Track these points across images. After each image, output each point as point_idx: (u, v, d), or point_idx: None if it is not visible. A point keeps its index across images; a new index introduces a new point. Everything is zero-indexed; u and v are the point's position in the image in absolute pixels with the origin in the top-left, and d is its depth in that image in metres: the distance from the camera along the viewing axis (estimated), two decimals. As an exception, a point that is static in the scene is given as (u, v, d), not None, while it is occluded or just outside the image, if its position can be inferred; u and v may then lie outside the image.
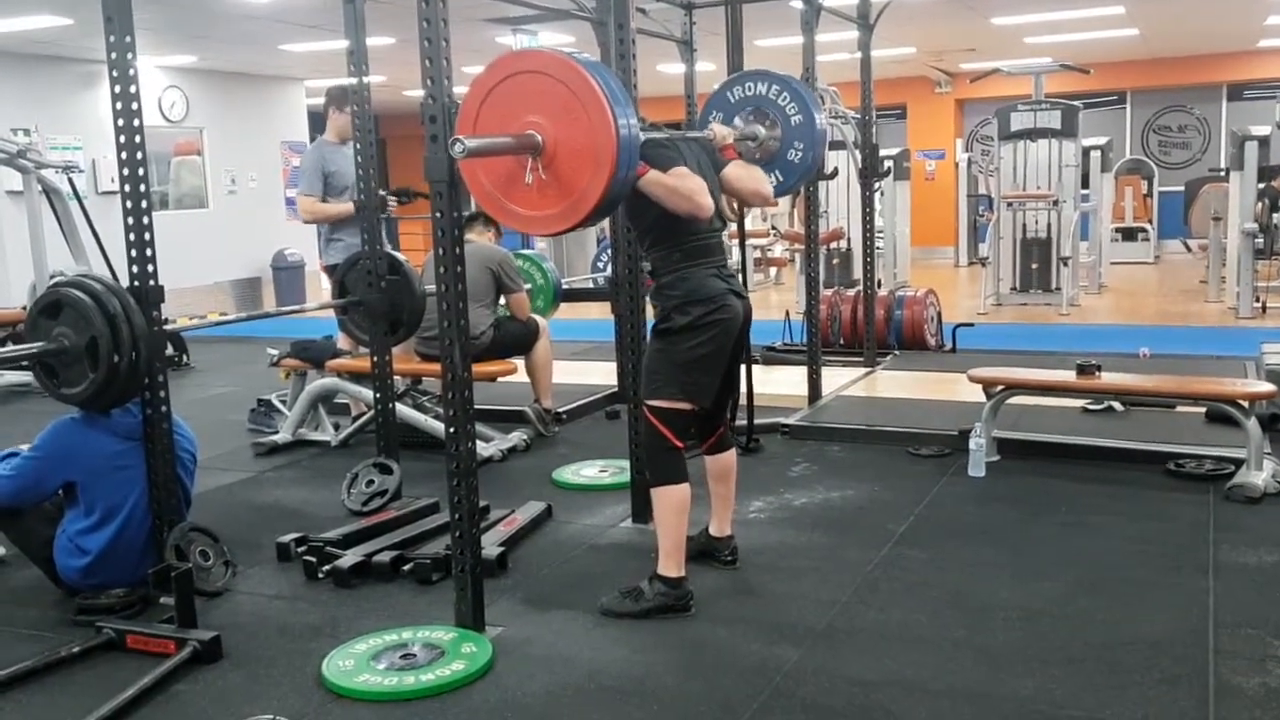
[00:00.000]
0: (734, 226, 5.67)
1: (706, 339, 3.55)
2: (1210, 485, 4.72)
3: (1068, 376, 5.18)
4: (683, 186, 3.42)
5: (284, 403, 6.38)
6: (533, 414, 6.05)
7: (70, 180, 8.14)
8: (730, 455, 3.95)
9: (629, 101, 3.02)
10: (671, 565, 3.55)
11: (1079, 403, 5.83)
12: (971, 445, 5.05)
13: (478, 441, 4.22)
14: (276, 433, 6.14)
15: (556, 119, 2.97)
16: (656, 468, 3.61)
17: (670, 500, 3.56)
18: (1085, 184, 11.98)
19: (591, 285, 8.81)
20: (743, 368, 4.08)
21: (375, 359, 5.00)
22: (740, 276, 5.28)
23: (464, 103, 3.12)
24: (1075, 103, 11.41)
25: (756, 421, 5.59)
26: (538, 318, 6.26)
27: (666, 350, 3.58)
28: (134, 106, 3.56)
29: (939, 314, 8.53)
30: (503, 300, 6.02)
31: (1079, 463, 5.16)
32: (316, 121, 15.49)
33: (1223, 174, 12.21)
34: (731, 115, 4.56)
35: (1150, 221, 15.54)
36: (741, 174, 3.84)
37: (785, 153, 4.51)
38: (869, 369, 7.45)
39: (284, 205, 14.43)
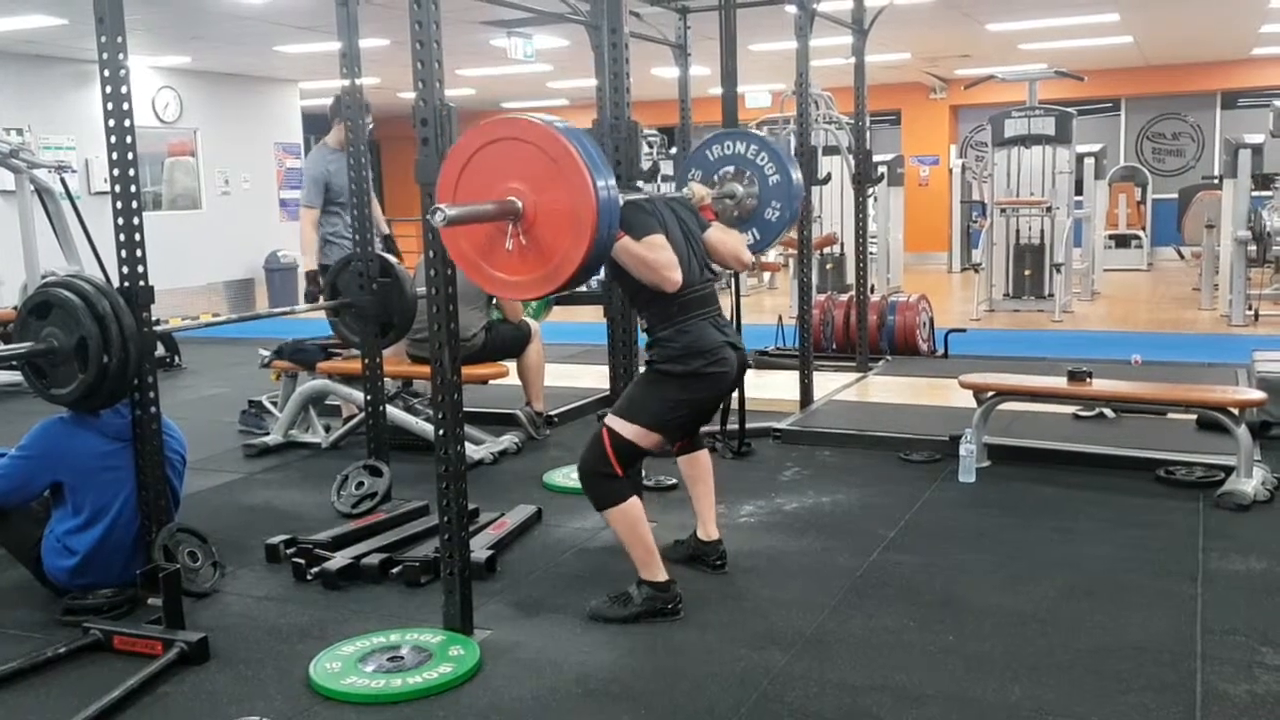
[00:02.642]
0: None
1: (699, 388, 3.58)
2: (1200, 492, 4.72)
3: (1059, 383, 5.18)
4: (651, 258, 3.43)
5: (275, 404, 6.38)
6: (524, 417, 6.05)
7: (63, 180, 8.13)
8: (703, 454, 3.97)
9: (608, 167, 3.03)
10: (652, 571, 3.55)
11: (1070, 409, 5.84)
12: (962, 451, 5.05)
13: (468, 444, 4.24)
14: (267, 434, 6.13)
15: (536, 185, 2.97)
16: (598, 493, 3.56)
17: (624, 518, 3.54)
18: (1079, 190, 11.99)
19: (584, 289, 8.79)
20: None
21: (366, 361, 4.99)
22: (735, 319, 5.29)
23: (444, 169, 3.11)
24: (1069, 109, 11.42)
25: (748, 426, 5.59)
26: (530, 321, 6.26)
27: (658, 386, 3.57)
28: (125, 107, 3.55)
29: (931, 319, 8.54)
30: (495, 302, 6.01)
31: (1070, 469, 5.16)
32: (311, 123, 15.53)
33: (1216, 181, 12.22)
34: (710, 173, 4.64)
35: (1144, 228, 15.58)
36: (721, 237, 3.89)
37: (763, 211, 4.61)
38: (861, 374, 7.45)
39: (277, 207, 14.44)
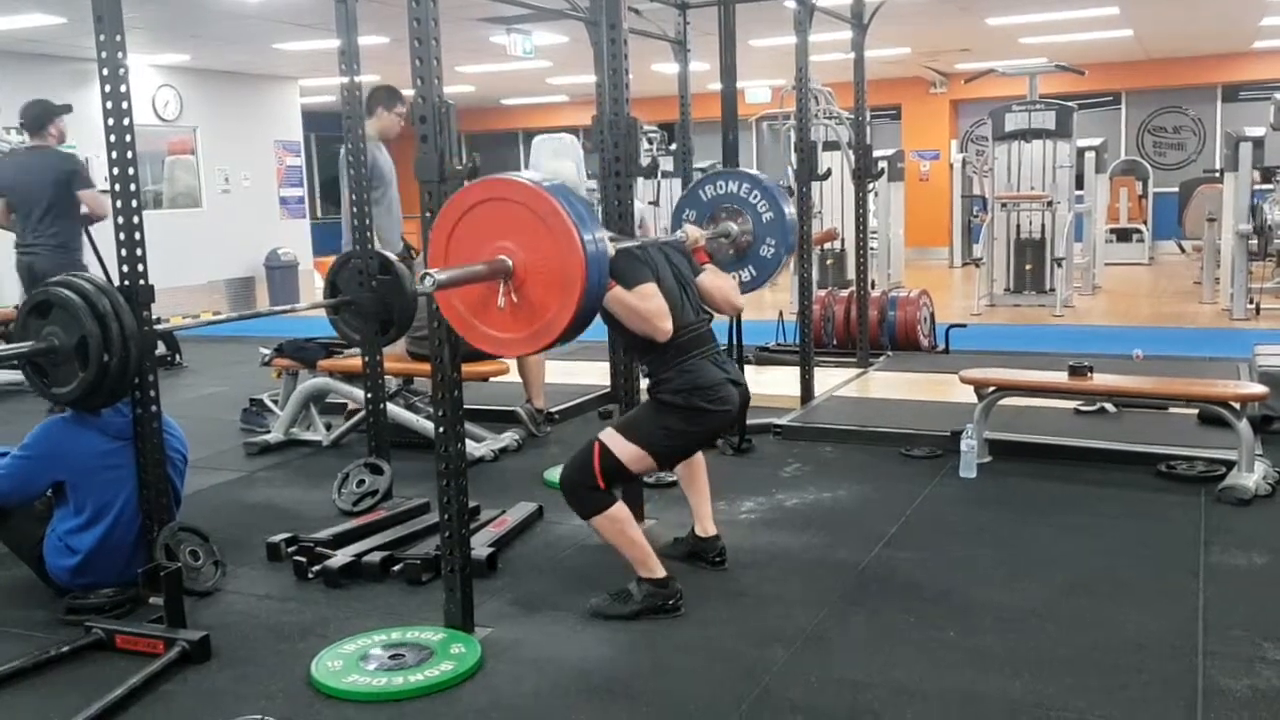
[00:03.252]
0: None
1: (700, 422, 3.57)
2: (1201, 487, 4.72)
3: (1060, 378, 5.18)
4: (642, 308, 3.45)
5: (276, 402, 6.38)
6: (525, 414, 6.04)
7: (63, 179, 8.09)
8: (696, 454, 3.97)
9: (596, 221, 3.06)
10: (650, 569, 3.55)
11: (1071, 404, 5.84)
12: (963, 446, 5.05)
13: (469, 441, 4.24)
14: (268, 432, 6.14)
15: (526, 243, 3.00)
16: (580, 503, 3.56)
17: (611, 524, 3.54)
18: (1080, 185, 11.98)
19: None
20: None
21: (366, 359, 4.99)
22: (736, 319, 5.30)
23: (434, 230, 3.15)
24: (1070, 103, 11.42)
25: (749, 422, 5.57)
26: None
27: (660, 414, 3.56)
28: (124, 106, 3.56)
29: (932, 315, 8.53)
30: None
31: (1071, 464, 5.16)
32: (310, 121, 15.51)
33: (1217, 175, 12.21)
34: (705, 212, 4.74)
35: (1145, 222, 15.55)
36: (715, 282, 3.92)
37: (758, 249, 4.73)
38: (862, 370, 7.45)
39: (278, 204, 14.43)
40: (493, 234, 3.03)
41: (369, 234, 4.91)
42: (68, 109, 6.65)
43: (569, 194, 3.03)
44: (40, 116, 6.46)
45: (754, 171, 4.89)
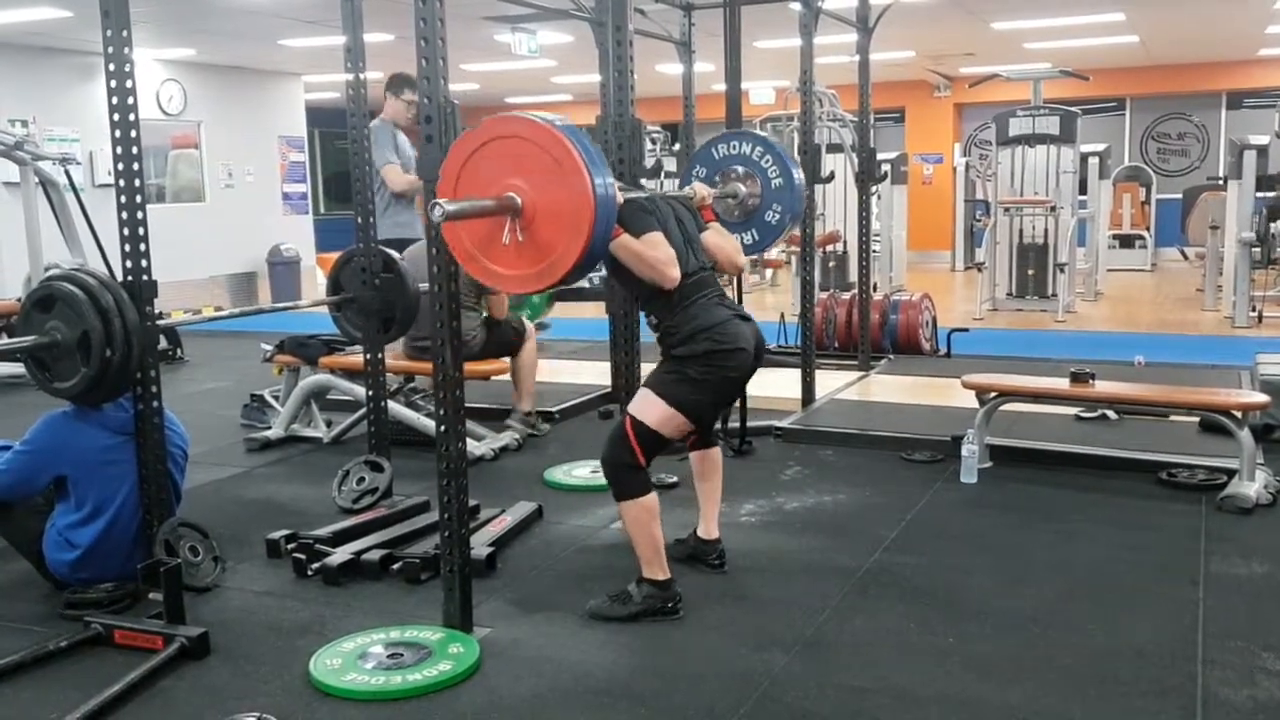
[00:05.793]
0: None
1: (717, 365, 3.54)
2: (1202, 495, 4.72)
3: (1061, 384, 5.17)
4: (649, 255, 3.45)
5: (277, 398, 6.38)
6: (518, 423, 5.96)
7: (67, 172, 8.12)
8: (715, 452, 3.98)
9: (606, 166, 3.05)
10: (655, 569, 3.55)
11: (1073, 410, 5.83)
12: (964, 451, 5.04)
13: (469, 440, 4.24)
14: (269, 428, 6.13)
15: (536, 183, 3.00)
16: (620, 483, 3.56)
17: (639, 511, 3.53)
18: (1083, 190, 11.97)
19: (586, 285, 8.78)
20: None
21: (368, 356, 4.98)
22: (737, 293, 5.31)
23: (446, 164, 3.14)
24: (1074, 109, 11.41)
25: (749, 424, 5.58)
26: (527, 323, 6.23)
27: (677, 369, 3.55)
28: (129, 100, 3.55)
29: (934, 318, 8.53)
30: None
31: (1071, 470, 5.15)
32: (314, 116, 15.52)
33: (1221, 182, 12.20)
34: (715, 171, 4.74)
35: (1148, 229, 15.55)
36: (718, 241, 3.89)
37: (763, 213, 4.72)
38: (863, 373, 7.44)
39: (281, 200, 14.43)
40: (504, 172, 3.02)
41: (371, 230, 4.90)
42: None
43: (582, 136, 3.02)
44: None
45: (767, 135, 4.89)
